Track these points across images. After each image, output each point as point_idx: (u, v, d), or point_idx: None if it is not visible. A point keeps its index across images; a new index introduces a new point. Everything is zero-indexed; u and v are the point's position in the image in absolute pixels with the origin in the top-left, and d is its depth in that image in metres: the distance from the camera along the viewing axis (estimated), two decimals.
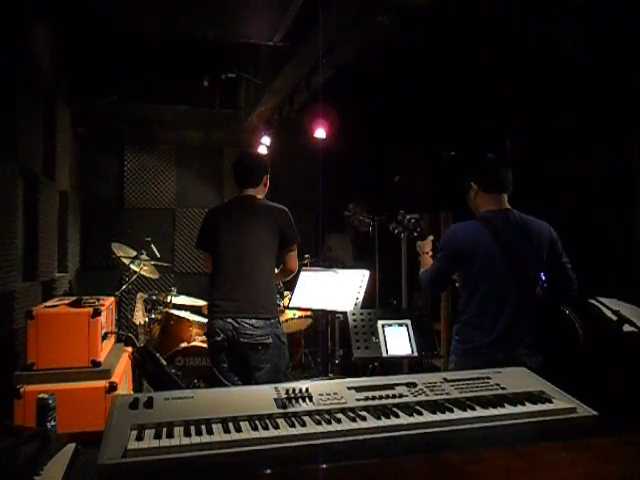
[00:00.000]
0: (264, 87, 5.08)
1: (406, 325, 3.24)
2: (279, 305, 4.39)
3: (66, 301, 3.47)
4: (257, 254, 3.11)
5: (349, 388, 1.44)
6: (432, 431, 1.27)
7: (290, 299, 3.62)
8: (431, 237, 2.94)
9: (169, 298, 4.71)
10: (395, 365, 3.66)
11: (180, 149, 6.53)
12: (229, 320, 3.01)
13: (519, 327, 2.37)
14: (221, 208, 3.44)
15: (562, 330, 2.47)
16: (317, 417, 1.29)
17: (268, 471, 1.13)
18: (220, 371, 3.06)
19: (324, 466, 1.12)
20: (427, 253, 2.85)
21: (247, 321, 3.00)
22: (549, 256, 2.45)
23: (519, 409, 1.37)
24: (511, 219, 2.46)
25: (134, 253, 4.73)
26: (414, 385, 1.48)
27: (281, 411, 1.31)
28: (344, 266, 3.90)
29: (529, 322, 2.38)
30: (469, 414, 1.33)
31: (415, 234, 3.03)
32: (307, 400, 1.36)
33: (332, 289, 3.46)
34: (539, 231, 2.46)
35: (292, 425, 1.24)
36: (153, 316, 4.59)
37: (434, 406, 1.36)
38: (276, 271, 3.36)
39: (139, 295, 4.79)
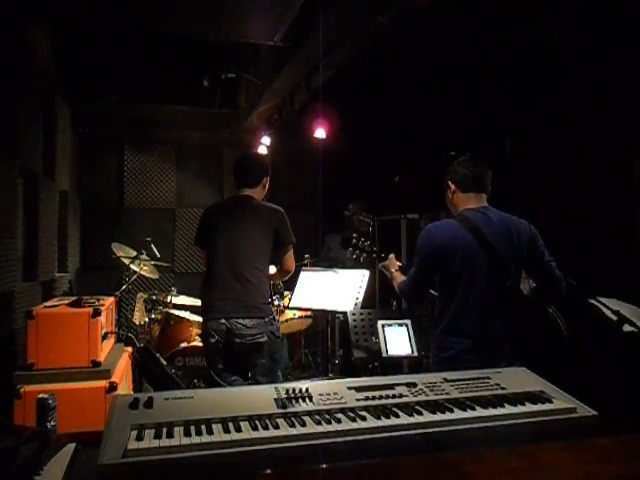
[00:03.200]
0: (264, 87, 5.08)
1: (406, 325, 3.25)
2: (279, 305, 4.40)
3: (66, 301, 3.46)
4: (251, 254, 3.11)
5: (349, 388, 1.44)
6: (432, 431, 1.26)
7: (290, 299, 3.63)
8: (392, 255, 2.86)
9: (169, 298, 4.71)
10: (395, 365, 3.66)
11: (180, 149, 6.54)
12: (222, 321, 3.01)
13: (500, 329, 2.28)
14: (218, 207, 3.43)
15: (546, 329, 2.41)
16: (317, 417, 1.28)
17: (268, 471, 1.13)
18: (216, 372, 3.07)
19: (324, 466, 1.12)
20: (396, 271, 2.74)
21: (240, 321, 3.00)
22: (530, 254, 2.38)
23: (519, 409, 1.37)
24: (490, 216, 2.38)
25: (134, 253, 4.73)
26: (414, 385, 1.48)
27: (281, 411, 1.31)
28: (344, 266, 3.89)
29: (510, 324, 2.29)
30: (469, 414, 1.33)
31: (374, 255, 2.93)
32: (307, 400, 1.36)
33: (332, 289, 3.46)
34: (518, 228, 2.39)
35: (292, 425, 1.24)
36: (153, 316, 4.59)
37: (434, 406, 1.36)
38: (275, 271, 3.37)
39: (139, 295, 4.79)
